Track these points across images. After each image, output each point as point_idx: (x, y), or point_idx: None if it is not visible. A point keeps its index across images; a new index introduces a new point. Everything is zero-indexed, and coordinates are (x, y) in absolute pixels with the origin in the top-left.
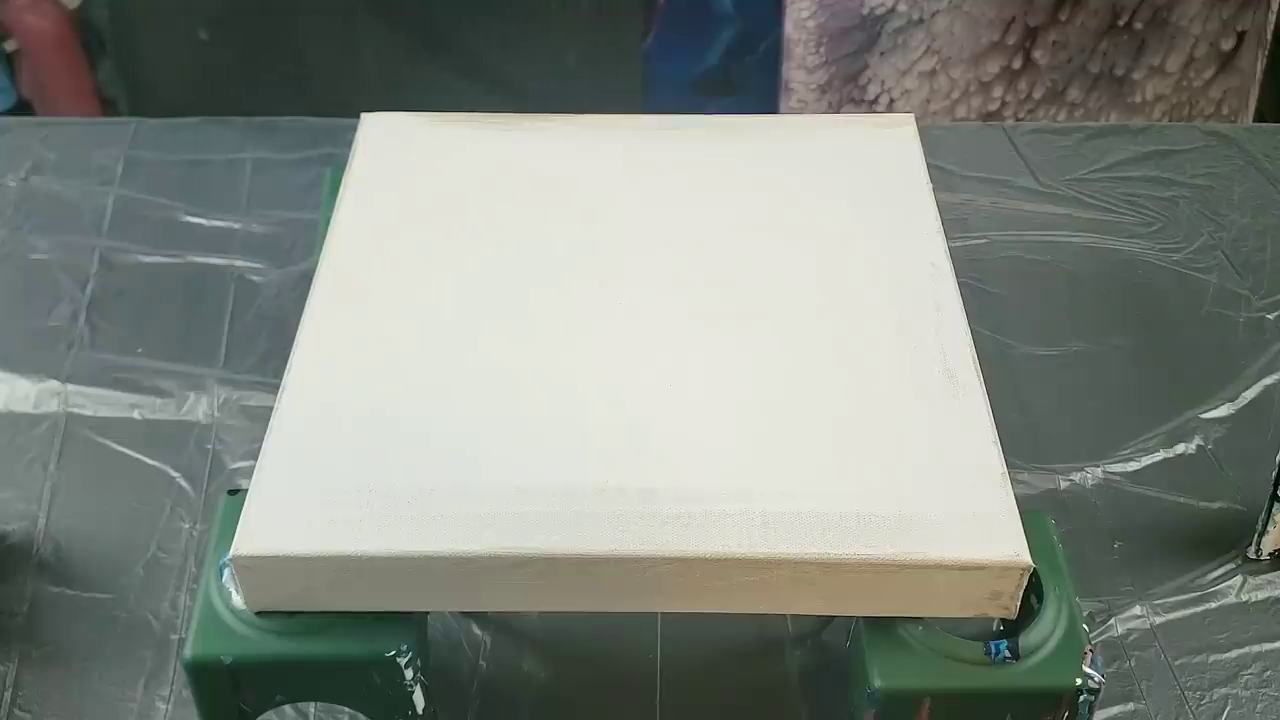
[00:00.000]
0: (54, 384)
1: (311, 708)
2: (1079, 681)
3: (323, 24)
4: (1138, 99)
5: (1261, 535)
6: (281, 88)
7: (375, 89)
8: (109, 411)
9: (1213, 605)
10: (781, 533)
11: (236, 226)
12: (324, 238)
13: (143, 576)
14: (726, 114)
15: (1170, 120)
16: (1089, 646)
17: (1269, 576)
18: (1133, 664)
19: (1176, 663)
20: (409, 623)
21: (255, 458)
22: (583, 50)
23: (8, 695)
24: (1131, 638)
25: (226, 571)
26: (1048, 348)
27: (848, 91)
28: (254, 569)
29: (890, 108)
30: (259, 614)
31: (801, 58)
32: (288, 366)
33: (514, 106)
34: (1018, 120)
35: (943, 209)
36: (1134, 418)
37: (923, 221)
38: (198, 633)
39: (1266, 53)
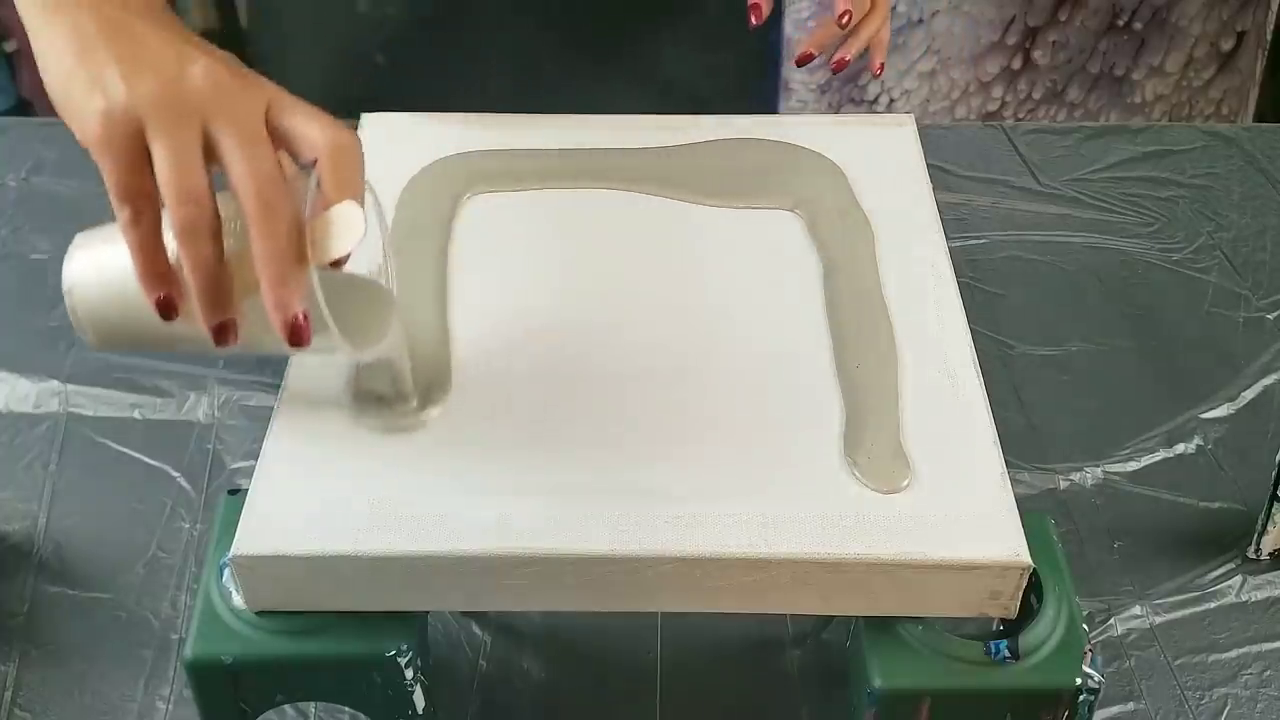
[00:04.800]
0: (54, 384)
1: (312, 708)
2: (1079, 681)
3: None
4: (1137, 99)
5: (1261, 535)
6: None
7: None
8: (109, 411)
9: (1213, 605)
10: (781, 533)
11: None
12: None
13: (143, 576)
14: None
15: (1170, 120)
16: (1089, 646)
17: (1269, 576)
18: (1133, 664)
19: (1176, 662)
20: (409, 623)
21: (255, 458)
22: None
23: (8, 695)
24: (1131, 638)
25: (227, 571)
26: (1048, 348)
27: (848, 91)
28: (254, 569)
29: (890, 108)
30: (259, 614)
31: None
32: (288, 366)
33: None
34: (1018, 120)
35: (943, 209)
36: (1134, 418)
37: (923, 221)
38: (198, 632)
39: (1266, 53)
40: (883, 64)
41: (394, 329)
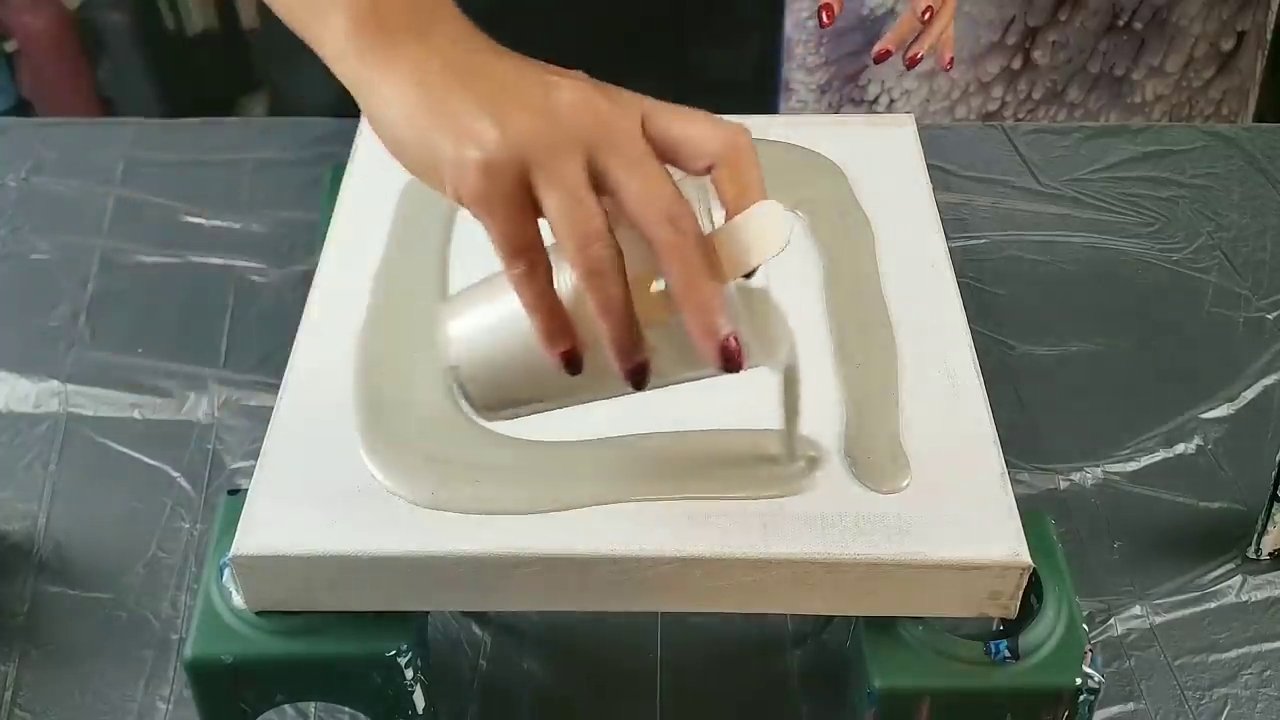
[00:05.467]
0: (54, 384)
1: (311, 708)
2: (1079, 681)
3: None
4: (1137, 99)
5: (1261, 535)
6: None
7: None
8: (109, 411)
9: (1213, 605)
10: (781, 533)
11: (236, 226)
12: (324, 238)
13: (143, 576)
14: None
15: (1170, 120)
16: (1089, 646)
17: (1269, 576)
18: (1133, 664)
19: (1176, 663)
20: (409, 623)
21: (255, 458)
22: None
23: (8, 695)
24: (1131, 638)
25: (227, 571)
26: (1048, 348)
27: (848, 91)
28: (254, 569)
29: (890, 108)
30: (259, 614)
31: (801, 58)
32: (288, 366)
33: None
34: (1018, 120)
35: (943, 209)
36: (1134, 418)
37: (923, 221)
38: (198, 632)
39: (1266, 53)
40: (952, 58)
41: (789, 333)
